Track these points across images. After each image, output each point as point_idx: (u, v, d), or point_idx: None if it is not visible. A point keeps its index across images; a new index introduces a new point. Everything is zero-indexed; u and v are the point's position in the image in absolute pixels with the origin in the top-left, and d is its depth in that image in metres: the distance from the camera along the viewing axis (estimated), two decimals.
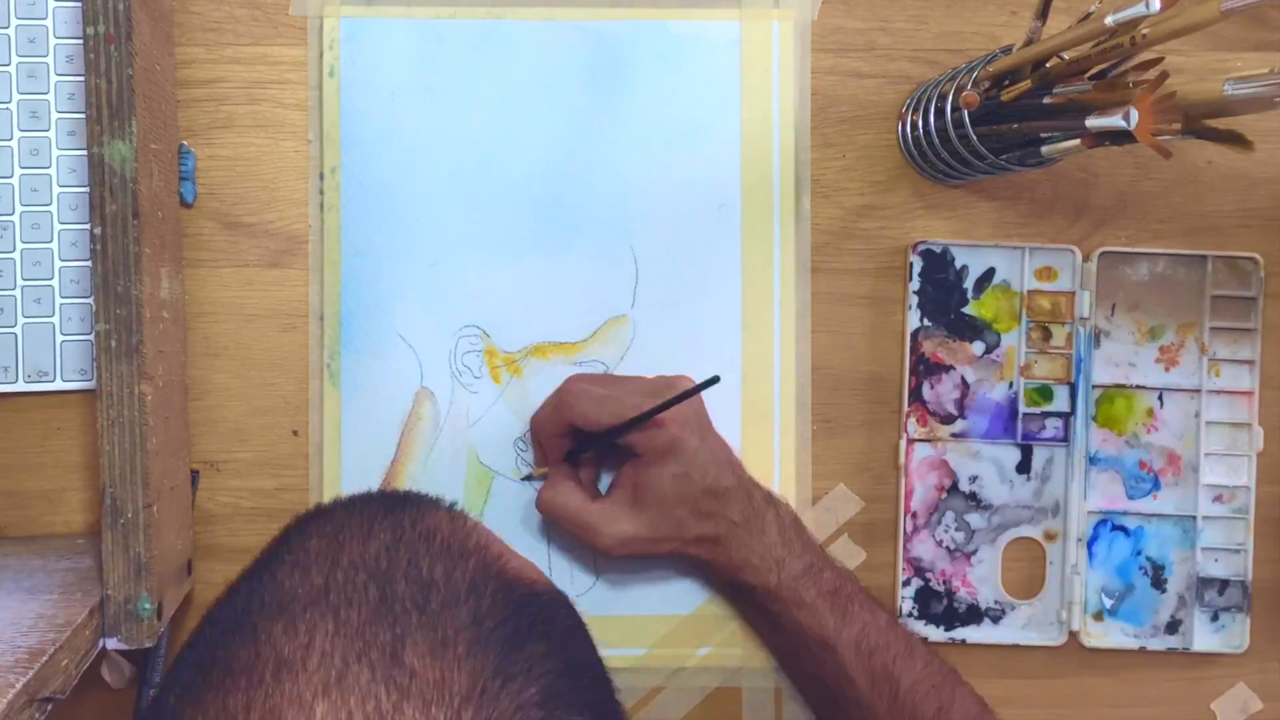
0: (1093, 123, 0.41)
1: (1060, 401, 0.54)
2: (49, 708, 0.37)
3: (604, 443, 0.49)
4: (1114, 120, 0.40)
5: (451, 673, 0.24)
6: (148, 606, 0.43)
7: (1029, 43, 0.44)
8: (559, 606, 0.30)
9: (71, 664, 0.39)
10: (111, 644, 0.43)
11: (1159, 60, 0.42)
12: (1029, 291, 0.54)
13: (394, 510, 0.30)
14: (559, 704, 0.25)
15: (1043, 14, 0.44)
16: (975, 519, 0.54)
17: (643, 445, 0.47)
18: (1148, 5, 0.37)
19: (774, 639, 0.51)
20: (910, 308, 0.53)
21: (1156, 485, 0.54)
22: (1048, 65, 0.43)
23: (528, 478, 0.53)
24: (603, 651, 0.53)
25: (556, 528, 0.52)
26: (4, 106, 0.49)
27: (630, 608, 0.53)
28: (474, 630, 0.26)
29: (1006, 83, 0.45)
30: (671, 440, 0.47)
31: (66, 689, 0.39)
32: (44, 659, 0.37)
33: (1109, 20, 0.39)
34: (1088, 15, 0.42)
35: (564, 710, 0.25)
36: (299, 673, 0.24)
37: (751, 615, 0.52)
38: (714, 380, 0.46)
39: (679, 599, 0.53)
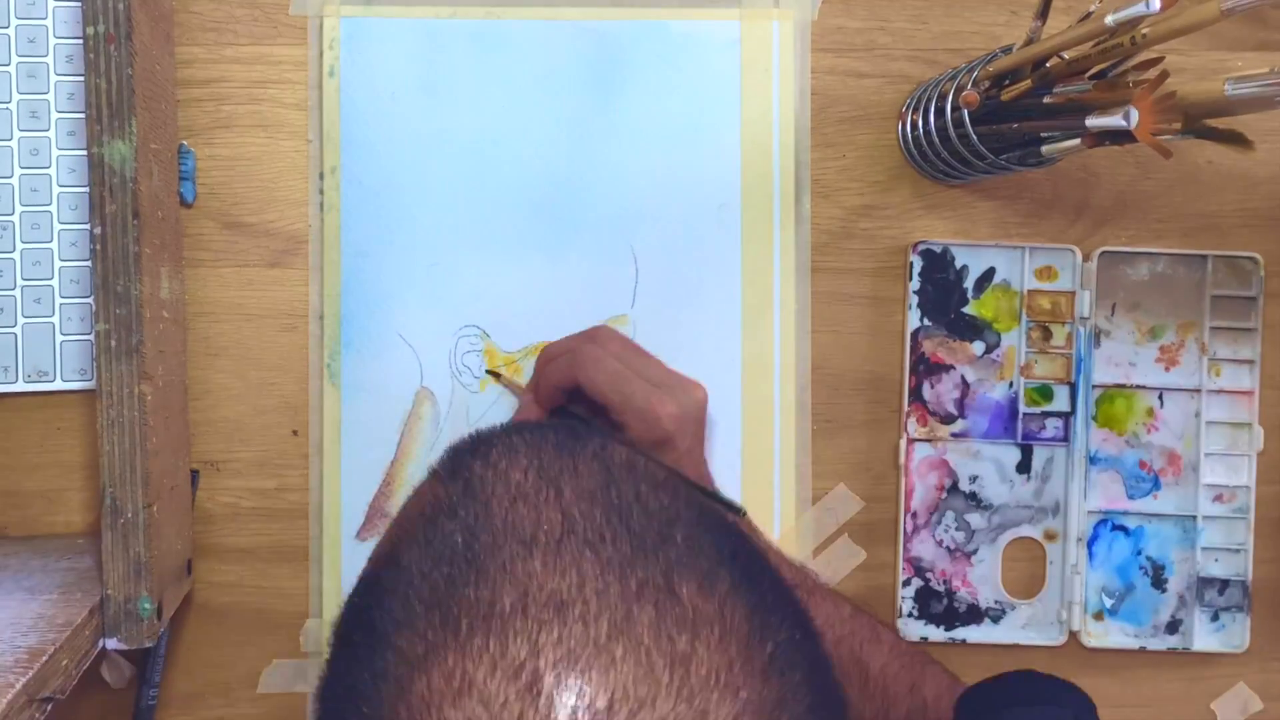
0: (1093, 122, 0.41)
1: (1060, 401, 0.54)
2: (49, 708, 0.37)
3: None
4: (1114, 120, 0.40)
5: (726, 609, 0.24)
6: (147, 606, 0.43)
7: (1029, 42, 0.44)
8: (746, 535, 0.29)
9: (71, 664, 0.39)
10: (111, 644, 0.43)
11: (1159, 60, 0.42)
12: (1029, 291, 0.54)
13: (577, 440, 0.28)
14: (807, 636, 0.26)
15: (1043, 14, 0.44)
16: (975, 519, 0.54)
17: (635, 429, 0.46)
18: (1148, 5, 0.37)
19: None
20: (910, 307, 0.53)
21: (1157, 485, 0.54)
22: (1048, 65, 0.43)
23: (493, 373, 0.52)
24: None
25: None
26: (4, 106, 0.49)
27: None
28: (723, 566, 0.25)
29: (1006, 82, 0.45)
30: (665, 436, 0.47)
31: (66, 689, 0.39)
32: (44, 659, 0.37)
33: (1109, 20, 0.39)
34: (1088, 15, 0.41)
35: (812, 640, 0.26)
36: (584, 613, 0.23)
37: None
38: (735, 508, 0.46)
39: None
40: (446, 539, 0.25)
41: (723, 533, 0.27)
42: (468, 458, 0.28)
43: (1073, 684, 0.46)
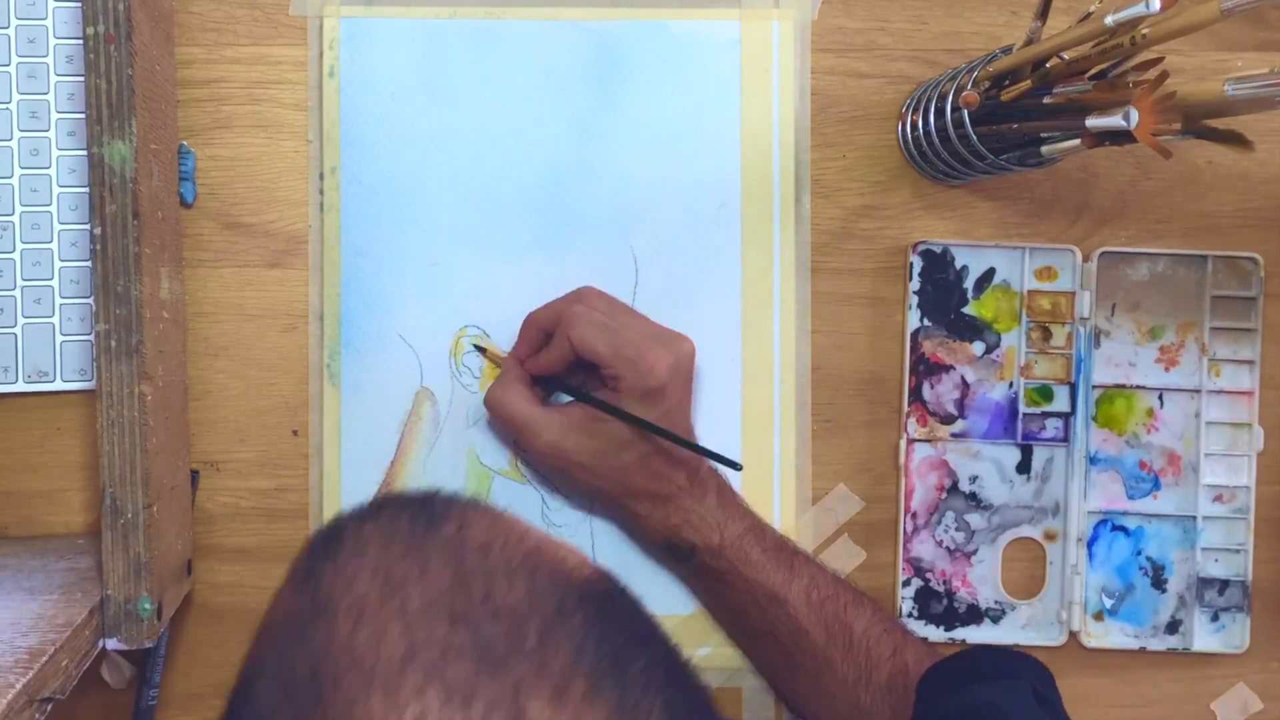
0: (1093, 122, 0.41)
1: (1060, 401, 0.54)
2: (49, 708, 0.37)
3: (582, 397, 0.48)
4: (1114, 120, 0.40)
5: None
6: (148, 606, 0.43)
7: (1029, 43, 0.44)
8: (620, 593, 0.28)
9: (71, 664, 0.39)
10: (111, 644, 0.43)
11: (1159, 60, 0.42)
12: (1029, 291, 0.54)
13: (430, 525, 0.27)
14: (680, 712, 0.24)
15: (1043, 14, 0.44)
16: (975, 519, 0.54)
17: (627, 381, 0.46)
18: (1148, 5, 0.37)
19: (719, 599, 0.50)
20: (910, 308, 0.53)
21: (1157, 485, 0.54)
22: (1048, 65, 0.43)
23: (479, 347, 0.52)
24: None
25: (495, 427, 0.52)
26: (4, 106, 0.49)
27: None
28: (582, 662, 0.24)
29: (1006, 83, 0.45)
30: (657, 386, 0.46)
31: (66, 689, 0.39)
32: (44, 659, 0.37)
33: (1109, 20, 0.39)
34: (1088, 15, 0.41)
35: (688, 715, 0.24)
36: None
37: (692, 577, 0.51)
38: (734, 464, 0.46)
39: (679, 599, 0.53)
40: (291, 668, 0.24)
41: (590, 610, 0.25)
42: (320, 559, 0.27)
43: (1030, 656, 0.47)
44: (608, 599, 0.27)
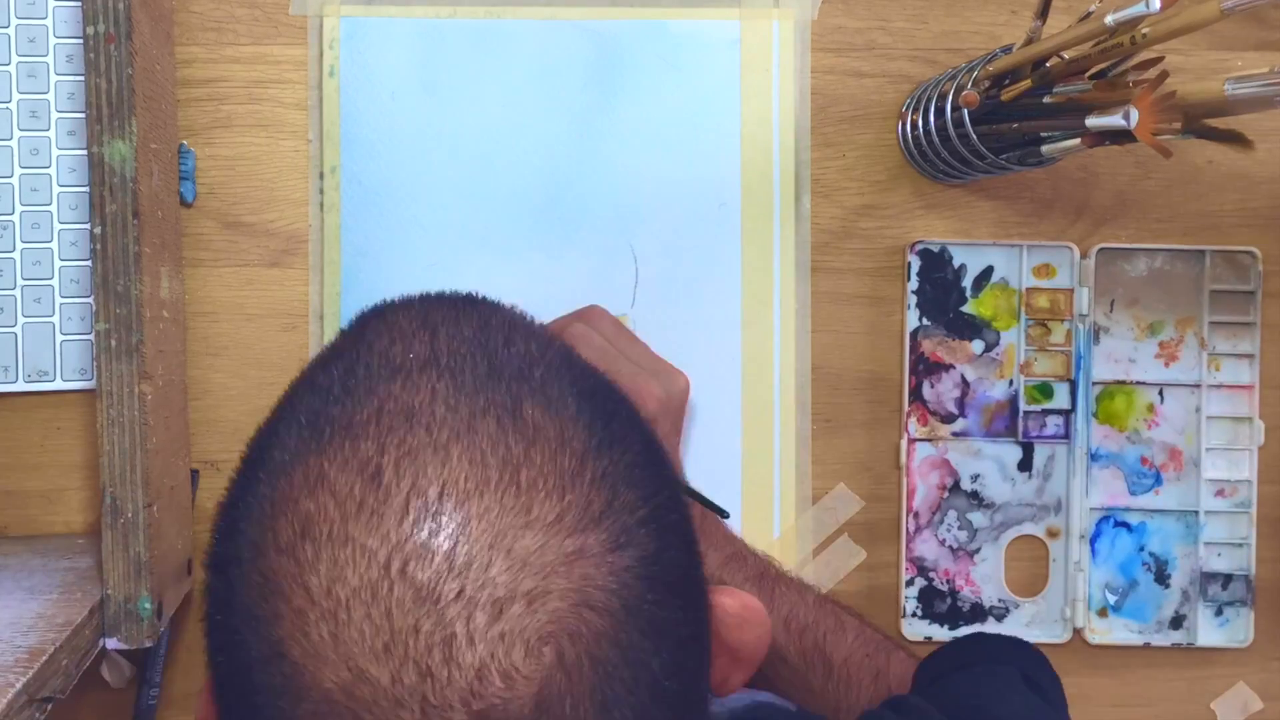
0: (1093, 122, 0.41)
1: (1061, 399, 0.54)
2: (49, 707, 0.37)
3: None
4: (1114, 119, 0.40)
5: (569, 429, 0.26)
6: (148, 606, 0.43)
7: (1029, 42, 0.44)
8: (619, 389, 0.31)
9: (71, 664, 0.39)
10: (111, 644, 0.43)
11: (1159, 60, 0.42)
12: (1027, 289, 0.54)
13: (468, 300, 0.31)
14: (652, 463, 0.28)
15: (1043, 13, 0.44)
16: (977, 517, 0.54)
17: None
18: (1148, 4, 0.37)
19: None
20: (909, 307, 0.53)
21: (1158, 481, 0.54)
22: (1048, 65, 0.43)
23: None
24: None
25: None
26: (4, 106, 0.49)
27: None
28: (574, 397, 0.27)
29: (1006, 82, 0.45)
30: (649, 418, 0.46)
31: (66, 689, 0.38)
32: (44, 659, 0.37)
33: (1109, 20, 0.39)
34: (1088, 14, 0.42)
35: (657, 468, 0.28)
36: (430, 422, 0.25)
37: None
38: (721, 511, 0.46)
39: None
40: (328, 374, 0.28)
41: (589, 379, 0.29)
42: (369, 314, 0.31)
43: (1021, 640, 0.47)
44: (608, 383, 0.30)
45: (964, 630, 0.54)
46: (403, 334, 0.29)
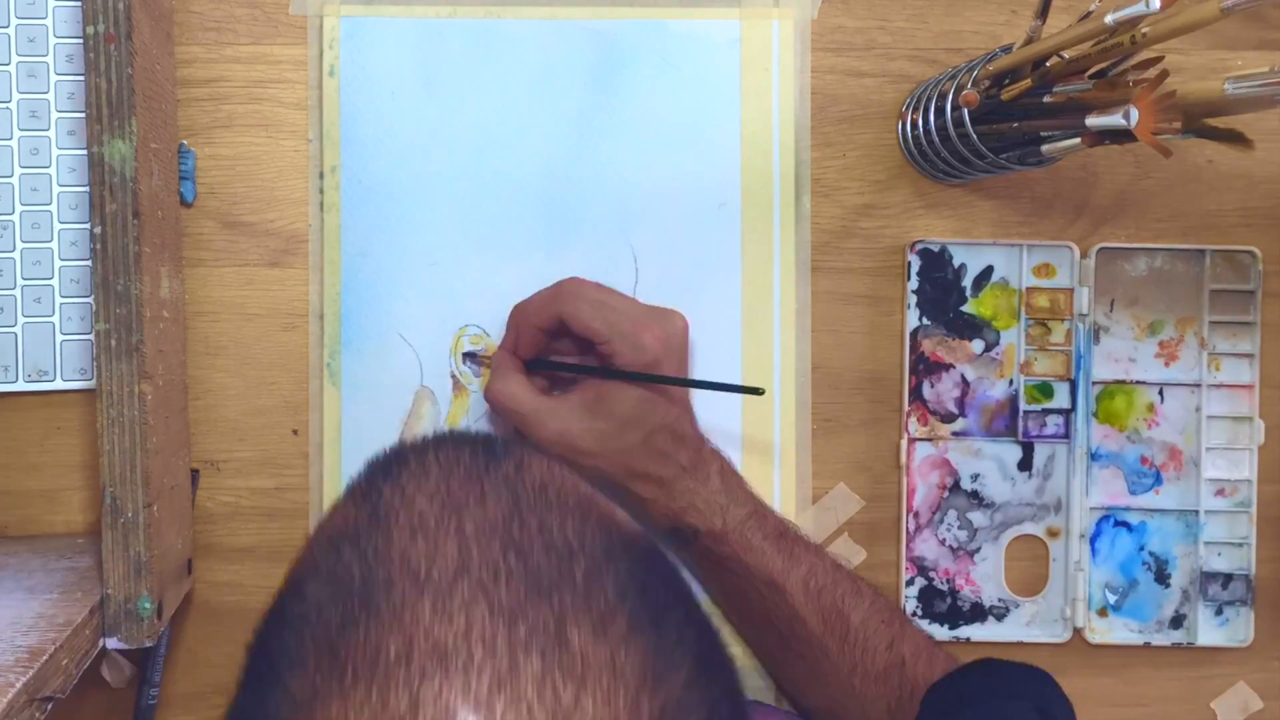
0: (1093, 121, 0.41)
1: (1061, 398, 0.54)
2: (49, 707, 0.37)
3: (575, 369, 0.48)
4: (1114, 119, 0.40)
5: (619, 655, 0.23)
6: (148, 606, 0.43)
7: (1029, 42, 0.44)
8: (662, 553, 0.28)
9: (71, 663, 0.39)
10: (111, 643, 0.43)
11: (1159, 59, 0.42)
12: (1027, 289, 0.54)
13: (491, 461, 0.28)
14: (708, 674, 0.25)
15: (1043, 13, 0.44)
16: (978, 517, 0.54)
17: (624, 356, 0.46)
18: (1148, 4, 0.37)
19: (720, 584, 0.50)
20: (909, 307, 0.53)
21: (1158, 480, 0.54)
22: (1048, 64, 0.43)
23: (470, 355, 0.52)
24: None
25: (496, 422, 0.51)
26: (4, 106, 0.49)
27: None
28: (625, 603, 0.24)
29: (1006, 82, 0.45)
30: (653, 359, 0.47)
31: (66, 688, 0.38)
32: (44, 658, 0.37)
33: (1109, 19, 0.39)
34: (1088, 14, 0.42)
35: (714, 678, 0.25)
36: (467, 665, 0.22)
37: (694, 561, 0.51)
38: (755, 390, 0.46)
39: None
40: (345, 570, 0.25)
41: (635, 560, 0.26)
42: (379, 479, 0.28)
43: (1033, 667, 0.46)
44: (652, 553, 0.28)
45: (964, 630, 0.54)
46: (424, 524, 0.25)
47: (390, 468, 0.28)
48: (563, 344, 0.50)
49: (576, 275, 0.50)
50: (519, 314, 0.50)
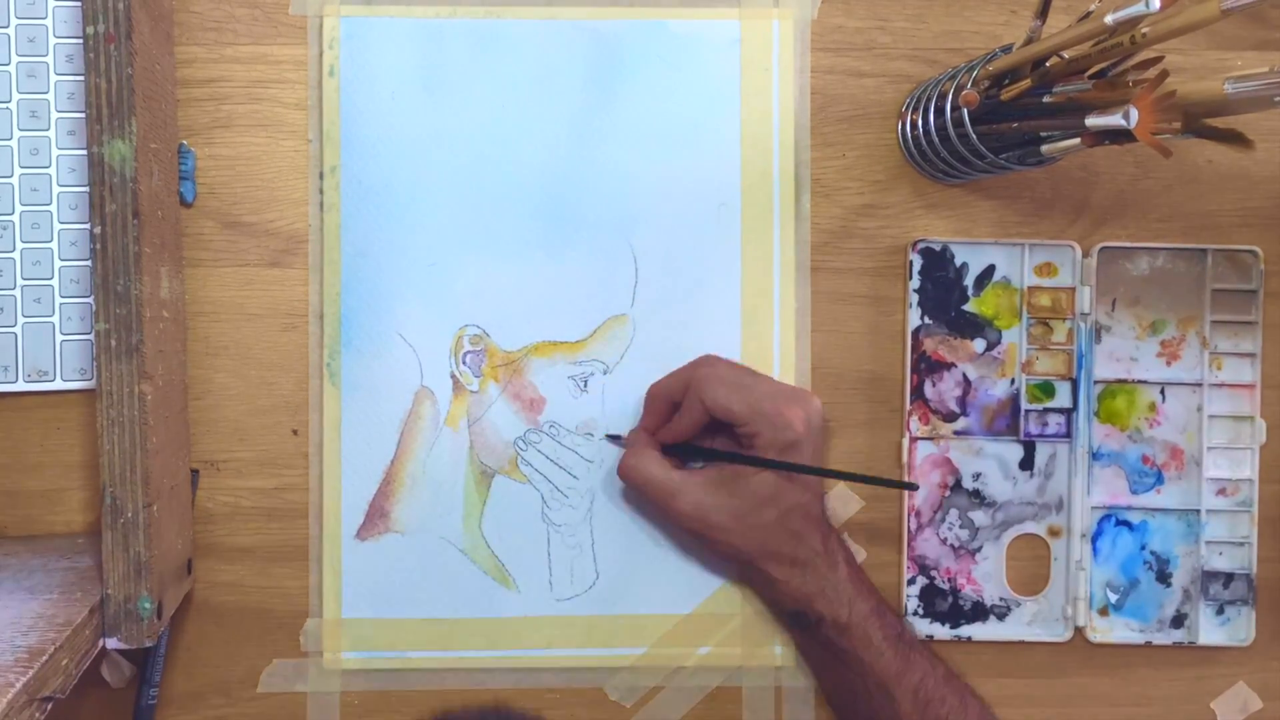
0: (1093, 122, 0.41)
1: (1062, 397, 0.54)
2: (49, 707, 0.37)
3: (713, 456, 0.49)
4: (1114, 119, 0.40)
5: None
6: (148, 606, 0.43)
7: (1029, 42, 0.44)
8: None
9: (71, 663, 0.39)
10: (111, 643, 0.43)
11: (1159, 59, 0.42)
12: (1029, 288, 0.54)
13: None
14: None
15: (1042, 13, 0.44)
16: (979, 516, 0.54)
17: (765, 438, 0.47)
18: (1148, 4, 0.37)
19: (833, 675, 0.50)
20: (910, 306, 0.53)
21: (1160, 480, 0.54)
22: (1047, 64, 0.43)
23: (614, 438, 0.52)
24: (602, 651, 0.53)
25: (635, 495, 0.52)
26: (4, 106, 0.49)
27: (630, 607, 0.53)
28: None
29: (1006, 82, 0.45)
30: (794, 442, 0.47)
31: (66, 688, 0.38)
32: (44, 658, 0.37)
33: (1109, 19, 0.39)
34: (1088, 14, 0.42)
35: None
36: None
37: (811, 646, 0.51)
38: (910, 485, 0.46)
39: (679, 599, 0.53)
40: None
41: None
42: None
43: None
44: None
45: (965, 629, 0.54)
46: None
47: None
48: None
49: (711, 354, 0.51)
50: (654, 396, 0.51)
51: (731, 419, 0.48)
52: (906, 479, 0.53)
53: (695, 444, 0.50)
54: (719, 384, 0.48)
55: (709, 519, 0.48)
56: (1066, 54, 0.43)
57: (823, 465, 0.50)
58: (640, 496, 0.51)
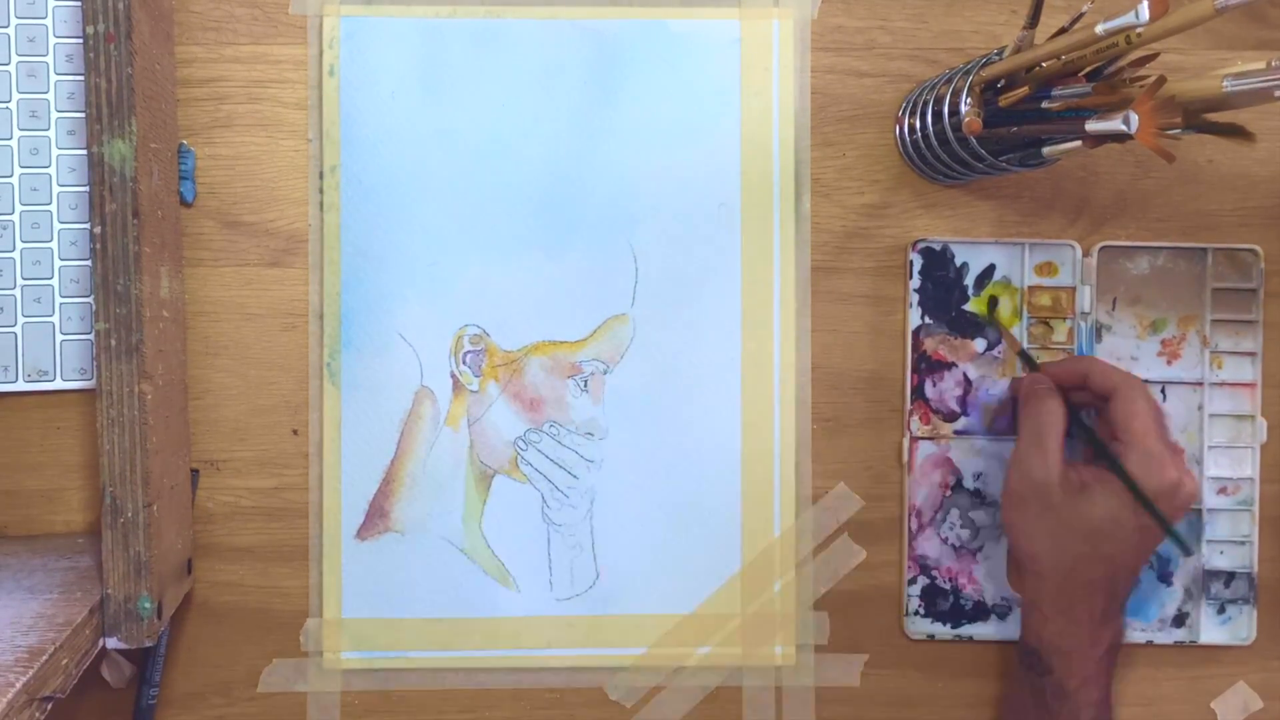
0: (1093, 127, 0.41)
1: None
2: (49, 707, 0.37)
3: (1101, 447, 0.47)
4: (1114, 124, 0.40)
5: None
6: (148, 606, 0.43)
7: (1018, 49, 0.44)
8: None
9: (71, 663, 0.39)
10: (111, 643, 0.43)
11: (1155, 56, 0.42)
12: (1029, 287, 0.54)
13: None
14: None
15: (1033, 21, 0.43)
16: (980, 515, 0.54)
17: (1130, 463, 0.45)
18: (1137, 14, 0.37)
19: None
20: (911, 305, 0.53)
21: None
22: (1043, 65, 0.43)
23: (1023, 355, 0.51)
24: (602, 651, 0.53)
25: (1008, 424, 0.51)
26: (4, 106, 0.49)
27: (630, 607, 0.53)
28: None
29: (1001, 85, 0.45)
30: (1172, 486, 0.45)
31: (66, 688, 0.38)
32: (44, 658, 0.37)
33: (1099, 29, 0.39)
34: (1078, 17, 0.41)
35: None
36: None
37: (1029, 690, 0.49)
38: (1186, 549, 0.44)
39: (679, 598, 0.53)
40: None
41: None
42: None
43: None
44: None
45: (966, 628, 0.54)
46: None
47: None
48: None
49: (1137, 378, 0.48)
50: (1082, 364, 0.49)
51: (1126, 431, 0.45)
52: (907, 479, 0.53)
53: (1092, 432, 0.48)
54: (1145, 398, 0.46)
55: (1032, 508, 0.46)
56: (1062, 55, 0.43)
57: (1157, 541, 0.47)
58: (1024, 436, 0.48)
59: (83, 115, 0.49)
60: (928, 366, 0.54)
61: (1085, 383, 0.48)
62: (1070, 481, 0.47)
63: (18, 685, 0.35)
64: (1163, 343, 0.54)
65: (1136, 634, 0.54)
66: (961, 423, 0.54)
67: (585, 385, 0.53)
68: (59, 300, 0.50)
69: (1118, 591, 0.47)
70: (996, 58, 0.46)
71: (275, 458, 0.52)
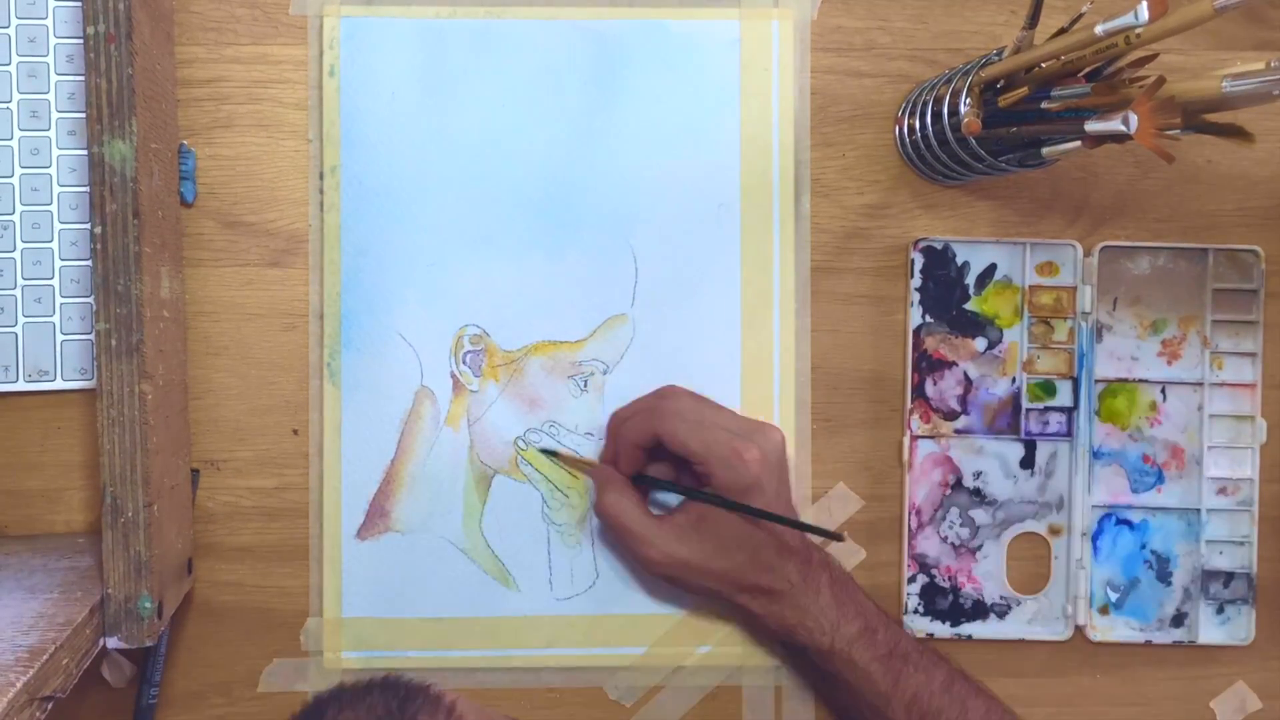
0: (1093, 128, 0.41)
1: (1063, 396, 0.54)
2: (49, 706, 0.37)
3: (675, 490, 0.49)
4: (1114, 125, 0.40)
5: None
6: (148, 605, 0.43)
7: (1018, 50, 0.44)
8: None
9: (72, 663, 0.39)
10: (112, 643, 0.43)
11: (1154, 57, 0.42)
12: (1030, 287, 0.54)
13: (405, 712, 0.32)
14: None
15: (1032, 22, 0.43)
16: (980, 515, 0.54)
17: (721, 478, 0.46)
18: (1136, 15, 0.37)
19: (826, 695, 0.51)
20: (912, 305, 0.53)
21: (1160, 479, 0.54)
22: (1043, 65, 0.43)
23: (549, 451, 0.52)
24: (602, 651, 0.53)
25: (606, 534, 0.52)
26: (4, 106, 0.49)
27: (630, 607, 0.53)
28: None
29: (1000, 85, 0.45)
30: (753, 481, 0.46)
31: (67, 688, 0.38)
32: (44, 658, 0.37)
33: (1099, 30, 0.39)
34: (1078, 17, 0.41)
35: None
36: None
37: (801, 669, 0.52)
38: (835, 536, 0.46)
39: (679, 598, 0.53)
40: None
41: None
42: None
43: None
44: None
45: (965, 627, 0.54)
46: None
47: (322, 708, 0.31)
48: (658, 465, 0.50)
49: (670, 384, 0.50)
50: (617, 425, 0.50)
51: (688, 456, 0.47)
52: (908, 478, 0.53)
53: (664, 481, 0.49)
54: (677, 419, 0.47)
55: (683, 562, 0.47)
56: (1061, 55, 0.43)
57: (789, 493, 0.49)
58: (614, 537, 0.50)
59: (83, 115, 0.49)
60: (928, 365, 0.54)
61: (647, 439, 0.48)
62: (681, 526, 0.48)
63: (18, 685, 0.35)
64: (1163, 343, 0.54)
65: (1135, 633, 0.54)
66: (962, 421, 0.54)
67: (585, 385, 0.53)
68: (59, 300, 0.50)
69: (794, 545, 0.48)
70: (996, 58, 0.46)
71: (275, 458, 0.52)
